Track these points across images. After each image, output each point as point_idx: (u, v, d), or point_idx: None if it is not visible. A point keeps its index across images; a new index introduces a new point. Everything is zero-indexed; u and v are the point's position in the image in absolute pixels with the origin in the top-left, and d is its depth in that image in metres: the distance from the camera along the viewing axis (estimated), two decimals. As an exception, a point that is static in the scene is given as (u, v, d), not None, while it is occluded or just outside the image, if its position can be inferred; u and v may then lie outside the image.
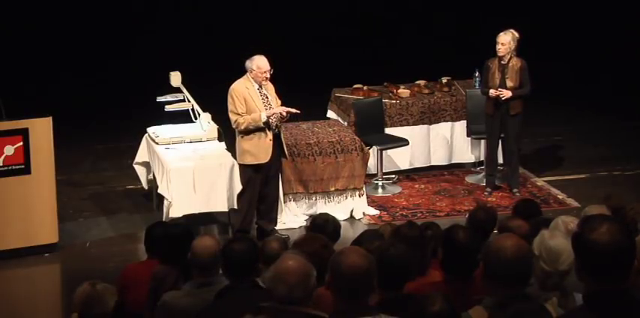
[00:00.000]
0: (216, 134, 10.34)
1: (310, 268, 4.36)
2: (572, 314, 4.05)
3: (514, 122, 10.72)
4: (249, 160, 9.64)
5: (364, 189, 10.66)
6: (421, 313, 4.50)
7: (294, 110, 9.59)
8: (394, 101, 11.64)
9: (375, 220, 10.44)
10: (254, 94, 9.58)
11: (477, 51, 11.33)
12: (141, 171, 10.68)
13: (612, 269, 3.63)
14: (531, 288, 4.76)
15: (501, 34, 10.67)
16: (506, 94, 10.57)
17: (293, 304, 4.32)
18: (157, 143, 10.25)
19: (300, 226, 10.16)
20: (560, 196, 11.08)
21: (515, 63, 10.66)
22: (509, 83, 10.66)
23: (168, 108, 10.52)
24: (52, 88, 13.61)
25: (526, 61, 10.67)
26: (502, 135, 10.84)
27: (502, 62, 10.68)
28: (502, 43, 10.61)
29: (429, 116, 11.69)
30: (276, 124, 9.63)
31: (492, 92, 10.60)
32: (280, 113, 9.54)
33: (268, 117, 9.50)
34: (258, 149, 9.60)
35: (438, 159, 11.82)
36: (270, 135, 9.58)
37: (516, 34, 10.64)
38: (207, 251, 5.63)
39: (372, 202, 10.83)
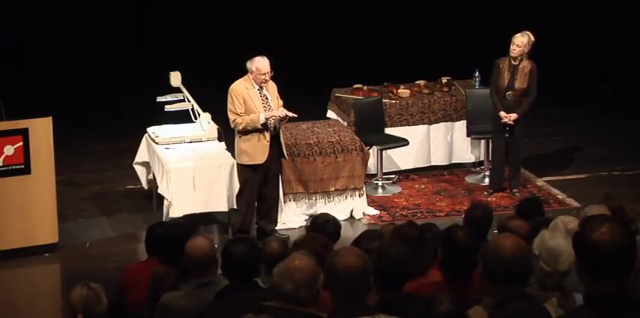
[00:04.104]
0: (216, 134, 10.34)
1: (318, 270, 4.36)
2: (572, 314, 4.05)
3: (521, 122, 10.71)
4: (246, 161, 9.66)
5: (364, 189, 10.66)
6: (427, 314, 4.51)
7: (291, 114, 9.60)
8: (394, 101, 11.64)
9: (375, 220, 10.44)
10: (253, 94, 9.59)
11: (477, 51, 11.32)
12: (141, 171, 10.68)
13: (613, 269, 3.64)
14: (531, 288, 4.76)
15: (518, 35, 10.62)
16: (514, 117, 10.59)
17: (297, 304, 4.32)
18: (156, 143, 10.25)
19: (300, 226, 10.17)
20: (560, 196, 11.08)
21: (526, 65, 10.64)
22: (517, 84, 10.66)
23: (168, 108, 10.52)
24: (52, 88, 13.60)
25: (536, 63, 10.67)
26: (507, 135, 10.82)
27: (513, 63, 10.66)
28: (517, 45, 10.58)
29: (429, 116, 11.69)
30: (275, 126, 9.63)
31: (502, 115, 10.62)
32: (279, 115, 9.55)
33: (267, 119, 9.51)
34: (255, 150, 9.61)
35: (438, 159, 11.82)
36: (267, 136, 9.58)
37: (532, 38, 10.59)
38: (201, 251, 5.64)
39: (372, 202, 10.83)
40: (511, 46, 10.64)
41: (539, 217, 6.94)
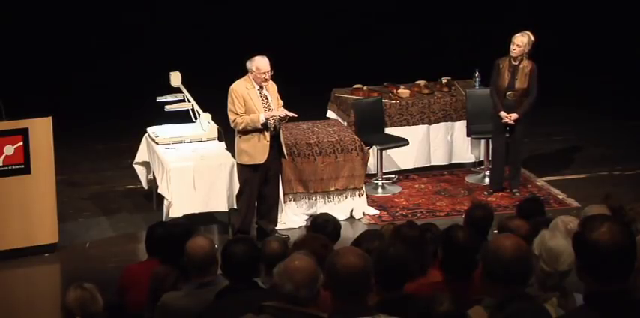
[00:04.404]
0: (216, 134, 10.35)
1: (318, 270, 4.36)
2: (572, 314, 4.05)
3: (521, 123, 10.71)
4: (246, 161, 9.66)
5: (364, 189, 10.65)
6: (427, 314, 4.51)
7: (291, 114, 9.60)
8: (394, 101, 11.64)
9: (375, 220, 10.44)
10: (254, 94, 9.59)
11: (477, 51, 11.30)
12: (141, 171, 10.69)
13: (613, 269, 3.63)
14: (531, 288, 4.76)
15: (518, 35, 10.62)
16: (514, 117, 10.59)
17: (297, 304, 4.32)
18: (157, 143, 10.26)
19: (300, 226, 10.17)
20: (560, 196, 11.08)
21: (526, 65, 10.64)
22: (517, 84, 10.66)
23: (168, 108, 10.53)
24: (52, 88, 13.60)
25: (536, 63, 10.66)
26: (507, 135, 10.81)
27: (513, 63, 10.66)
28: (518, 45, 10.58)
29: (429, 116, 11.69)
30: (275, 126, 9.63)
31: (503, 115, 10.62)
32: (279, 116, 9.56)
33: (267, 119, 9.51)
34: (255, 150, 9.61)
35: (438, 159, 11.82)
36: (267, 136, 9.58)
37: (532, 38, 10.59)
38: (202, 251, 5.64)
39: (372, 202, 10.83)
40: (511, 46, 10.64)
41: (539, 217, 6.94)
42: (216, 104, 10.16)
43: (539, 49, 10.90)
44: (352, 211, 10.55)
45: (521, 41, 10.59)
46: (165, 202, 9.74)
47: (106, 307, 5.38)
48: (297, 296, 4.30)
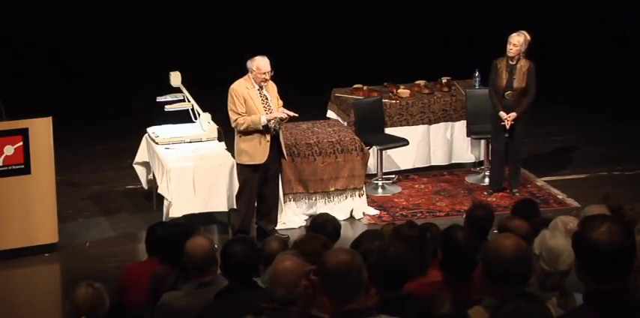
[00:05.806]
0: (216, 134, 10.35)
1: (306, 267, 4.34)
2: (572, 314, 4.05)
3: (521, 122, 10.72)
4: (246, 160, 9.66)
5: (364, 189, 10.66)
6: (427, 315, 4.50)
7: (292, 113, 9.61)
8: (394, 101, 11.64)
9: (375, 220, 10.44)
10: (254, 94, 9.59)
11: (477, 51, 11.29)
12: (141, 171, 10.69)
13: (612, 269, 3.63)
14: (531, 288, 4.76)
15: (514, 35, 10.64)
16: (512, 116, 10.59)
17: (293, 305, 4.31)
18: (156, 143, 10.26)
19: (300, 226, 10.17)
20: (560, 196, 11.08)
21: (524, 64, 10.65)
22: (516, 84, 10.67)
23: (168, 108, 10.53)
24: (52, 88, 13.60)
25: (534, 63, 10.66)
26: (506, 134, 10.82)
27: (511, 63, 10.67)
28: (514, 44, 10.59)
29: (429, 116, 11.69)
30: (275, 127, 9.63)
31: (502, 115, 10.62)
32: (280, 117, 9.56)
33: (268, 121, 9.51)
34: (255, 150, 9.61)
35: (438, 159, 11.82)
36: (267, 137, 9.58)
37: (528, 37, 10.61)
38: (202, 251, 5.64)
39: (372, 202, 10.83)
40: (508, 46, 10.65)
41: (535, 217, 6.93)
42: (216, 104, 10.16)
43: (539, 48, 10.90)
44: (352, 211, 10.55)
45: (518, 40, 10.60)
46: (165, 202, 9.74)
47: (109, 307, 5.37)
48: (291, 298, 4.29)
